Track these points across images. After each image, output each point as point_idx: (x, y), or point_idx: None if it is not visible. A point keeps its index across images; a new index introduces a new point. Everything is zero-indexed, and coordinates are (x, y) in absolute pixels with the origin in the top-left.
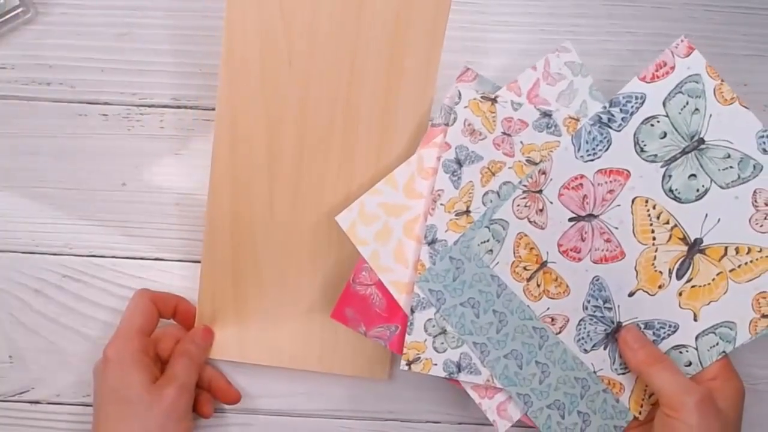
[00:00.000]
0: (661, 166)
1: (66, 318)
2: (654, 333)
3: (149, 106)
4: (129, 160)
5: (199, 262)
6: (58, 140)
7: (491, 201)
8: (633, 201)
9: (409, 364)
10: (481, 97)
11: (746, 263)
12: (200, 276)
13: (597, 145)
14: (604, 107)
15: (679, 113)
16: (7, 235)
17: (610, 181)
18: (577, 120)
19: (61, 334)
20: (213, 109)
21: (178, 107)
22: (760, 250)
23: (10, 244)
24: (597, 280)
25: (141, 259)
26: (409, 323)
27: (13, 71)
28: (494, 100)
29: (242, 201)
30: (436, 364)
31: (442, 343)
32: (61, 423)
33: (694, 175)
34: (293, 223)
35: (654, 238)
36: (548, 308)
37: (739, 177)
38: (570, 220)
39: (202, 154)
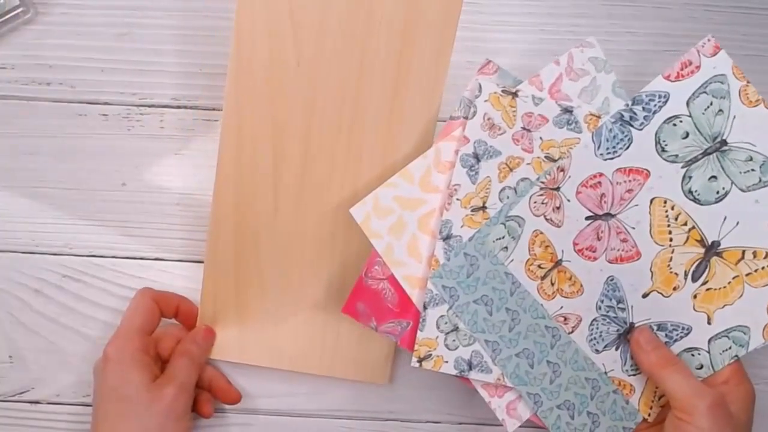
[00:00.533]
0: (682, 167)
1: (66, 318)
2: (667, 335)
3: (149, 106)
4: (129, 160)
5: (199, 262)
6: (58, 140)
7: (508, 197)
8: (651, 201)
9: (420, 361)
10: (502, 91)
11: (763, 268)
12: (203, 276)
13: (617, 144)
14: (627, 105)
15: (703, 114)
16: (7, 235)
17: (629, 181)
18: (599, 117)
19: (61, 334)
20: (213, 109)
21: (178, 107)
22: None
23: (10, 244)
24: (611, 280)
25: (141, 259)
26: (421, 319)
27: (13, 71)
28: (515, 95)
29: (246, 202)
30: (447, 362)
31: (454, 341)
32: (61, 423)
33: (714, 177)
34: (297, 226)
35: (671, 240)
36: (561, 307)
37: (760, 180)
38: (587, 218)
39: (202, 154)
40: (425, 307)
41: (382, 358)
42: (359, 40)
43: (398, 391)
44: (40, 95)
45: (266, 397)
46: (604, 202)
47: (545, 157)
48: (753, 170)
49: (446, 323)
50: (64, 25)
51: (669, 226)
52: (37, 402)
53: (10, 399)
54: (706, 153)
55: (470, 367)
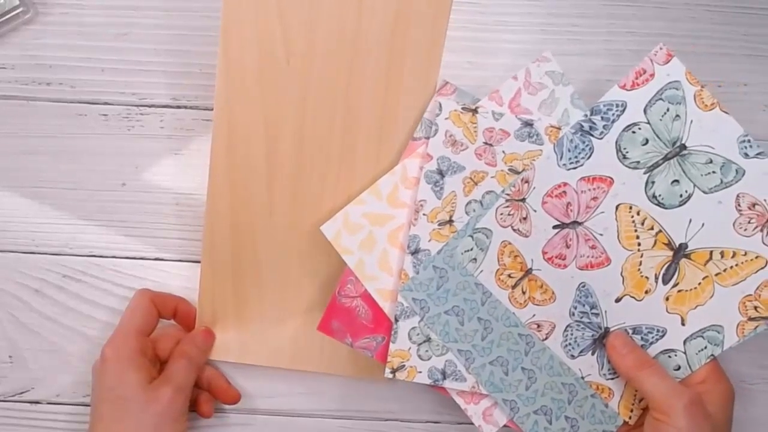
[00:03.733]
0: (644, 173)
1: (66, 318)
2: (642, 338)
3: (149, 106)
4: (129, 160)
5: (198, 262)
6: (58, 140)
7: (474, 210)
8: (617, 207)
9: (393, 372)
10: (462, 108)
11: (731, 267)
12: (200, 278)
13: (579, 153)
14: (586, 115)
15: (660, 120)
16: (7, 235)
17: (594, 189)
18: (559, 129)
19: (61, 334)
20: (212, 109)
21: (178, 107)
22: (745, 254)
23: (10, 244)
24: (583, 286)
25: (141, 259)
26: (393, 332)
27: (13, 71)
28: (475, 111)
29: (241, 203)
30: (420, 372)
31: (427, 351)
32: (61, 423)
33: (677, 181)
34: (293, 225)
35: (639, 244)
36: (534, 315)
37: (721, 182)
38: (554, 227)
39: (201, 154)
40: (396, 320)
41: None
42: (349, 40)
43: (398, 391)
44: (40, 95)
45: (266, 397)
46: (571, 210)
47: (509, 169)
48: (713, 172)
49: (418, 334)
50: (64, 25)
51: (636, 231)
52: (37, 402)
53: (10, 399)
54: (666, 158)
55: (444, 376)
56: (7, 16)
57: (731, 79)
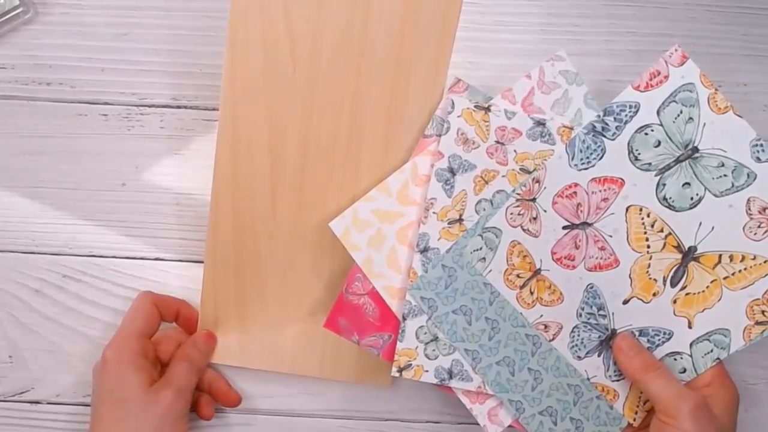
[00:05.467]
0: (655, 175)
1: (66, 318)
2: (648, 340)
3: (149, 106)
4: (129, 160)
5: (199, 262)
6: (58, 140)
7: (484, 209)
8: (627, 209)
9: (400, 370)
10: (475, 106)
11: (740, 271)
12: (203, 281)
13: (591, 154)
14: (598, 116)
15: (673, 122)
16: (7, 235)
17: (604, 190)
18: (571, 129)
19: (61, 334)
20: (213, 109)
21: (178, 107)
22: (754, 258)
23: (10, 244)
24: (591, 287)
25: (141, 259)
26: (400, 330)
27: (13, 71)
28: (487, 109)
29: (245, 208)
30: (427, 371)
31: (434, 350)
32: (61, 423)
33: (688, 184)
34: (296, 230)
35: (648, 246)
36: (541, 315)
37: (733, 185)
38: (564, 228)
39: (201, 154)
40: (404, 318)
41: (384, 360)
42: (356, 46)
43: (398, 391)
44: (40, 95)
45: (266, 398)
46: (581, 211)
47: (520, 169)
48: (725, 176)
49: (425, 333)
50: (64, 25)
51: (646, 233)
52: (37, 402)
53: (10, 399)
54: (678, 160)
55: (451, 375)
56: (7, 16)
57: (731, 79)
